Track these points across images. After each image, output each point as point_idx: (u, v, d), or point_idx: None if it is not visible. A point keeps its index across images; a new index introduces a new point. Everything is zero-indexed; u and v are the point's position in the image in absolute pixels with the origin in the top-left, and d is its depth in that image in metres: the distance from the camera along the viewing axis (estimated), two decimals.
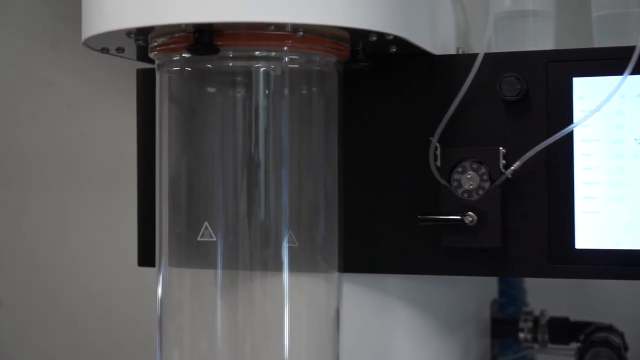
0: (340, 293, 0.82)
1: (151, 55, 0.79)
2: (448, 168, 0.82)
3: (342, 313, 0.82)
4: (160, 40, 0.76)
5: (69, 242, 1.46)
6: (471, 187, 0.81)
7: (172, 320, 0.81)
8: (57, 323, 1.46)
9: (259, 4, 0.70)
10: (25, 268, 1.48)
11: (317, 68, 0.79)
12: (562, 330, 1.09)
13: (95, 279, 1.44)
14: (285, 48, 0.75)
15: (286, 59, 0.76)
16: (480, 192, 0.81)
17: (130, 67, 0.91)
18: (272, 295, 0.78)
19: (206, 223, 0.77)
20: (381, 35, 0.75)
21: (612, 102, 0.79)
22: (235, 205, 0.77)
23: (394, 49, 0.81)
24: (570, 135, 0.80)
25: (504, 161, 0.81)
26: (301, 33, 0.74)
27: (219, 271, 0.78)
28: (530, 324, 1.10)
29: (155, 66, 0.81)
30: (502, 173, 0.81)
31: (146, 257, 0.90)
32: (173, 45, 0.76)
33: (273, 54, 0.76)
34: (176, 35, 0.75)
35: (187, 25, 0.72)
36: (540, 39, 0.87)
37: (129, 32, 0.75)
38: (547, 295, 1.21)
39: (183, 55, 0.76)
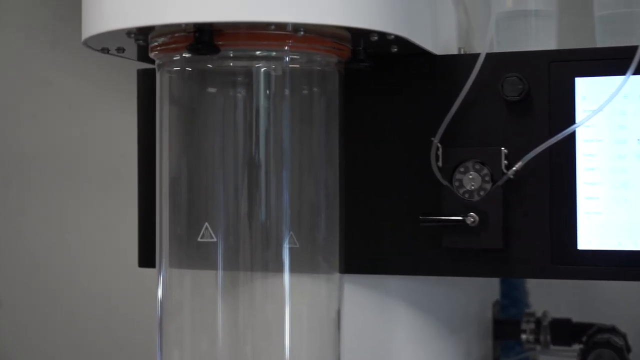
0: (342, 294, 0.82)
1: (151, 55, 0.79)
2: (450, 168, 0.82)
3: (343, 314, 0.82)
4: (161, 40, 0.76)
5: (69, 242, 1.46)
6: (473, 187, 0.81)
7: (173, 321, 0.80)
8: (57, 323, 1.46)
9: (260, 3, 0.70)
10: (25, 268, 1.48)
11: (318, 68, 0.78)
12: (564, 331, 1.09)
13: (95, 279, 1.44)
14: (286, 48, 0.75)
15: (287, 58, 0.76)
16: (482, 193, 0.81)
17: (131, 67, 0.91)
18: (273, 296, 0.78)
19: (206, 224, 0.77)
20: (382, 35, 0.75)
21: (615, 102, 0.79)
22: (235, 206, 0.77)
23: (396, 49, 0.81)
24: (572, 136, 0.80)
25: (505, 161, 0.81)
26: (302, 33, 0.74)
27: (220, 272, 0.77)
28: (532, 326, 1.10)
29: (155, 66, 0.80)
30: (504, 173, 0.81)
31: (147, 257, 0.90)
32: (173, 45, 0.76)
33: (274, 53, 0.75)
34: (176, 35, 0.75)
35: (187, 24, 0.72)
36: (543, 38, 0.86)
37: (129, 32, 0.75)
38: (549, 297, 1.20)
39: (183, 55, 0.76)
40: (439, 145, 0.82)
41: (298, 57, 0.76)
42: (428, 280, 0.87)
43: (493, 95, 0.81)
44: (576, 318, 1.11)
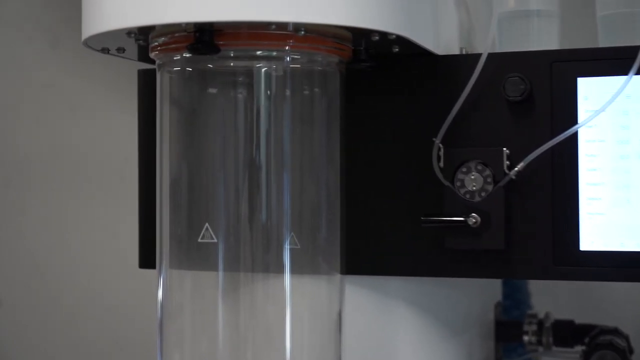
0: (343, 295, 0.82)
1: (152, 55, 0.78)
2: (451, 169, 0.82)
3: (344, 315, 0.82)
4: (161, 40, 0.76)
5: (69, 242, 1.46)
6: (474, 188, 0.81)
7: (173, 322, 0.80)
8: (57, 323, 1.47)
9: (260, 3, 0.70)
10: (25, 268, 1.48)
11: (319, 68, 0.78)
12: (566, 333, 1.09)
13: (95, 279, 1.44)
14: (286, 48, 0.74)
15: (288, 58, 0.76)
16: (483, 194, 0.80)
17: (132, 67, 0.90)
18: (274, 298, 0.78)
19: (207, 224, 0.77)
20: (384, 35, 0.75)
21: (617, 102, 0.79)
22: (236, 206, 0.77)
23: (397, 49, 0.80)
24: (574, 136, 0.79)
25: (507, 162, 0.81)
26: (303, 32, 0.73)
27: (220, 273, 0.77)
28: (534, 327, 1.10)
29: (156, 66, 0.80)
30: (505, 174, 0.80)
31: (147, 258, 0.90)
32: (174, 45, 0.75)
33: (274, 53, 0.75)
34: (177, 34, 0.75)
35: (187, 24, 0.72)
36: (545, 38, 0.86)
37: (129, 32, 0.75)
38: (551, 298, 1.20)
39: (184, 55, 0.76)
40: (441, 145, 0.82)
41: (299, 57, 0.76)
42: (429, 282, 0.86)
43: (495, 96, 0.81)
44: (579, 319, 1.10)
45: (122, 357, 1.43)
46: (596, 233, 0.79)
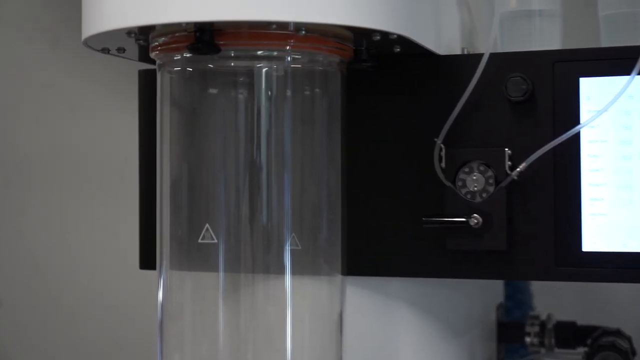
0: (344, 296, 0.81)
1: (152, 55, 0.78)
2: (453, 169, 0.81)
3: (345, 316, 0.81)
4: (161, 39, 0.76)
5: (69, 242, 1.46)
6: (475, 189, 0.80)
7: (173, 323, 0.80)
8: (57, 323, 1.47)
9: (261, 2, 0.69)
10: (25, 268, 1.48)
11: (320, 68, 0.78)
12: (569, 334, 1.09)
13: (95, 279, 1.44)
14: (287, 47, 0.74)
15: (288, 58, 0.76)
16: (484, 195, 0.80)
17: (132, 68, 0.90)
18: (275, 299, 0.78)
19: (207, 225, 0.77)
20: (385, 35, 0.75)
21: (620, 102, 0.78)
22: (236, 207, 0.77)
23: (398, 49, 0.80)
24: (577, 136, 0.79)
25: (509, 162, 0.80)
26: (304, 32, 0.73)
27: (221, 274, 0.77)
28: (536, 328, 1.10)
29: (156, 66, 0.80)
30: (507, 174, 0.80)
31: (148, 259, 0.89)
32: (174, 45, 0.75)
33: (275, 53, 0.75)
34: (177, 34, 0.74)
35: (187, 24, 0.72)
36: (547, 38, 0.86)
37: (129, 32, 0.75)
38: (553, 299, 1.20)
39: (184, 55, 0.75)
40: (442, 145, 0.82)
41: (300, 57, 0.76)
42: (431, 283, 0.86)
43: (497, 96, 0.81)
44: (581, 321, 1.10)
45: (122, 357, 1.43)
46: (598, 234, 0.79)
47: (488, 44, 0.81)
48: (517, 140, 0.80)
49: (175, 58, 0.77)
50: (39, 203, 1.47)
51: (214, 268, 0.77)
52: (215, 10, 0.69)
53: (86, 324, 1.45)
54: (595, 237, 0.79)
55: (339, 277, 0.81)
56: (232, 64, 0.76)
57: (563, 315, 1.12)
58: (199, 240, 0.77)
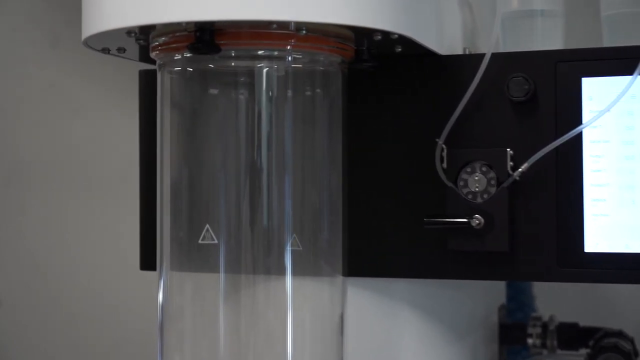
0: (345, 297, 0.81)
1: (152, 55, 0.78)
2: (454, 170, 0.81)
3: (346, 318, 0.81)
4: (162, 39, 0.76)
5: (69, 242, 1.46)
6: (477, 189, 0.80)
7: (173, 324, 0.80)
8: (57, 323, 1.47)
9: (261, 1, 0.69)
10: (25, 268, 1.48)
11: (321, 68, 0.78)
12: (571, 335, 1.09)
13: (95, 280, 1.44)
14: (288, 47, 0.74)
15: (289, 58, 0.75)
16: (486, 195, 0.80)
17: (132, 68, 0.90)
18: (275, 300, 0.78)
19: (207, 225, 0.76)
20: (386, 35, 0.74)
21: (622, 102, 0.78)
22: (237, 207, 0.77)
23: (400, 49, 0.80)
24: (579, 137, 0.79)
25: (511, 163, 0.80)
26: (304, 32, 0.73)
27: (221, 275, 0.77)
28: (539, 330, 1.10)
29: (156, 66, 0.80)
30: (509, 175, 0.80)
31: (148, 260, 0.89)
32: (174, 45, 0.75)
33: (276, 53, 0.75)
34: (177, 34, 0.74)
35: (188, 23, 0.72)
36: (549, 38, 0.86)
37: (129, 31, 0.75)
38: (556, 300, 1.20)
39: (184, 55, 0.75)
40: (444, 146, 0.81)
41: (301, 56, 0.76)
42: (433, 284, 0.86)
43: (498, 96, 0.81)
44: (583, 322, 1.10)
45: (122, 358, 1.43)
46: (601, 234, 0.79)
47: (490, 44, 0.81)
48: (519, 141, 0.80)
49: (175, 58, 0.77)
50: (39, 203, 1.47)
51: (215, 269, 0.77)
52: (215, 9, 0.69)
53: (86, 324, 1.45)
54: (598, 238, 0.79)
55: (340, 278, 0.81)
56: (233, 63, 0.76)
57: (565, 316, 1.12)
58: (200, 241, 0.77)
